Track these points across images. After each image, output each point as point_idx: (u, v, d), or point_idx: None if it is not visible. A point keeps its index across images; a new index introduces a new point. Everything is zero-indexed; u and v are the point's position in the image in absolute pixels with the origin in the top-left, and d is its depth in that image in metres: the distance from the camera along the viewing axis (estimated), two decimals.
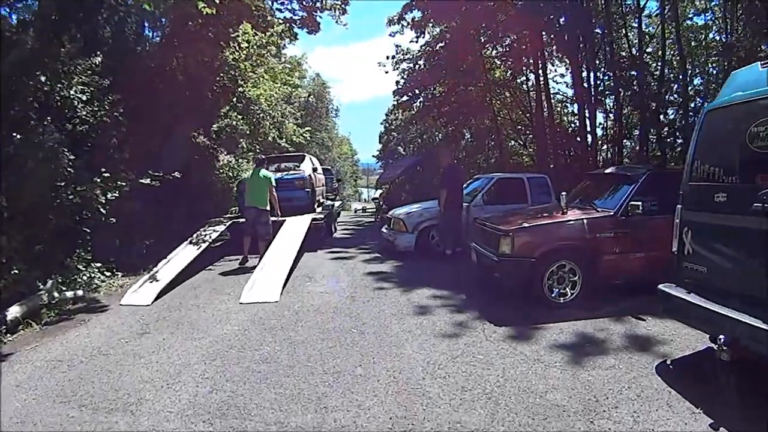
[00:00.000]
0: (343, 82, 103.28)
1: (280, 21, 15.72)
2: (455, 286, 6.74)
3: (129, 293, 6.52)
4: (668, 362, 4.08)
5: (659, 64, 14.95)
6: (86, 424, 3.25)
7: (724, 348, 3.22)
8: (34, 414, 3.42)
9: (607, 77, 15.65)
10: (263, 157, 10.18)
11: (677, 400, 3.36)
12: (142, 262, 7.93)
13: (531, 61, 17.40)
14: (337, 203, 17.90)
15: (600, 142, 16.75)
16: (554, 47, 16.99)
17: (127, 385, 3.83)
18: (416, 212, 9.62)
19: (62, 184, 6.68)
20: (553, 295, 5.61)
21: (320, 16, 17.36)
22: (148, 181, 8.06)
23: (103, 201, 7.10)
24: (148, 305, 6.14)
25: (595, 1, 14.97)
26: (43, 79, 6.76)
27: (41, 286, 5.91)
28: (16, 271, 5.69)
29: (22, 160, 6.13)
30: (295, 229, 9.16)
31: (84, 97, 7.56)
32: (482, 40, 18.01)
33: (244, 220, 8.84)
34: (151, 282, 6.78)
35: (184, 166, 9.87)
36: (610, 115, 16.90)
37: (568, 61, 16.56)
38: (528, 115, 19.29)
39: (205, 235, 8.90)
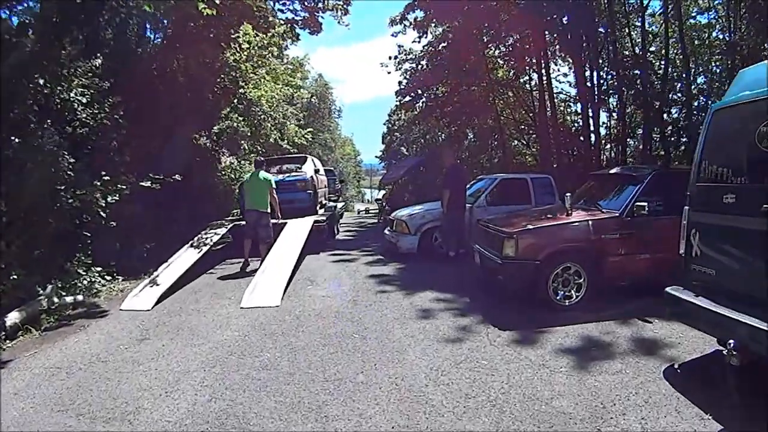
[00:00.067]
0: (345, 83, 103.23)
1: (282, 22, 15.68)
2: (458, 288, 6.67)
3: (129, 298, 6.47)
4: (676, 366, 4.01)
5: (662, 62, 14.87)
6: None
7: (734, 353, 3.14)
8: (32, 423, 3.38)
9: (610, 76, 15.56)
10: (262, 158, 10.12)
11: (685, 406, 3.29)
12: (143, 266, 7.89)
13: (534, 60, 17.32)
14: (339, 205, 17.88)
15: (603, 142, 16.72)
16: (557, 46, 16.93)
17: (126, 393, 3.77)
18: (419, 214, 9.55)
19: (62, 187, 6.62)
20: (558, 297, 5.54)
21: (322, 17, 17.30)
22: (148, 183, 7.98)
23: (103, 204, 7.03)
24: (148, 310, 6.08)
25: (598, 0, 14.87)
26: (42, 81, 6.71)
27: (41, 292, 5.85)
28: (15, 277, 5.63)
29: (22, 164, 6.08)
30: (296, 231, 9.10)
31: (84, 100, 7.50)
32: (485, 40, 17.96)
33: (245, 222, 8.77)
34: (151, 286, 6.73)
35: (185, 169, 9.82)
36: (614, 114, 16.87)
37: (571, 61, 16.47)
38: (531, 114, 19.23)
39: (207, 238, 8.84)
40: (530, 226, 5.82)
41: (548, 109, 17.36)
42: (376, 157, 50.39)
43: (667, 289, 3.91)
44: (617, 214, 5.71)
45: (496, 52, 19.18)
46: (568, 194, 6.25)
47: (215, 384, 3.86)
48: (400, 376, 3.90)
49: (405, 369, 4.05)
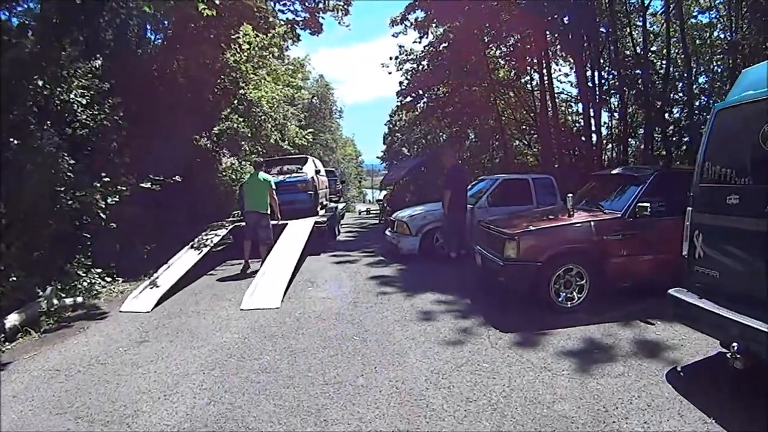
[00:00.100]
0: (346, 83, 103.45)
1: (282, 22, 15.67)
2: (460, 290, 6.63)
3: (129, 299, 6.45)
4: (679, 369, 3.97)
5: (664, 62, 14.81)
6: None
7: (738, 356, 3.10)
8: (30, 425, 3.37)
9: (611, 76, 15.49)
10: (261, 160, 10.09)
11: (689, 410, 3.26)
12: (143, 267, 7.87)
13: (535, 60, 17.26)
14: (340, 205, 17.84)
15: (605, 142, 16.64)
16: (558, 46, 16.86)
17: (124, 396, 3.75)
18: (420, 215, 9.52)
19: (62, 188, 6.61)
20: (559, 299, 5.50)
21: (323, 17, 17.34)
22: (148, 185, 7.97)
23: (103, 206, 7.03)
24: (148, 312, 6.07)
25: (599, 0, 14.83)
26: (40, 83, 6.69)
27: (40, 293, 5.85)
28: (15, 278, 5.62)
29: (21, 165, 6.05)
30: (297, 232, 9.07)
31: (84, 101, 7.49)
32: (486, 40, 17.90)
33: (245, 224, 8.75)
34: (151, 288, 6.71)
35: (186, 170, 9.80)
36: (615, 114, 16.78)
37: (572, 61, 16.40)
38: (532, 114, 19.16)
39: (207, 240, 8.82)
40: (532, 228, 5.79)
41: (549, 109, 17.30)
42: (377, 157, 50.39)
43: (670, 291, 3.87)
44: (619, 215, 5.67)
45: (497, 52, 19.12)
46: (570, 195, 6.21)
47: (214, 387, 3.83)
48: (401, 380, 3.86)
49: (405, 372, 4.02)
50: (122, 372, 4.23)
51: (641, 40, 15.03)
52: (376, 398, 3.55)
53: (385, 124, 43.17)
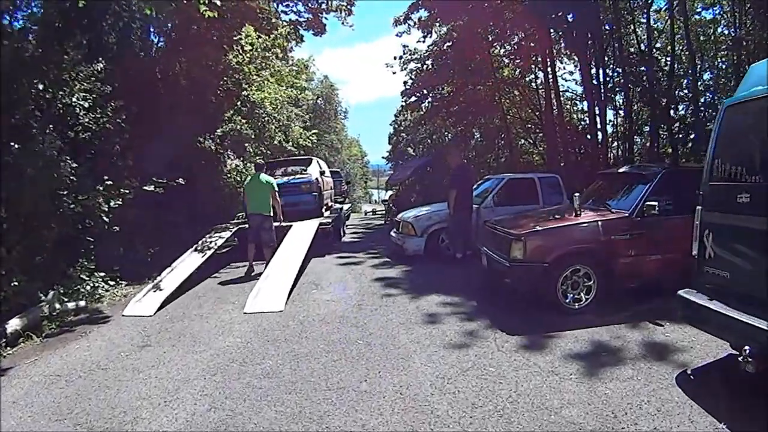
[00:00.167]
0: (350, 84, 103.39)
1: (285, 23, 15.65)
2: (465, 292, 6.55)
3: (132, 303, 6.42)
4: (689, 372, 3.88)
5: (668, 59, 14.75)
6: None
7: (750, 359, 3.01)
8: None
9: (616, 73, 15.45)
10: (263, 161, 10.04)
11: (699, 414, 3.17)
12: (147, 270, 7.84)
13: (539, 58, 17.22)
14: (346, 206, 17.77)
15: (610, 139, 16.56)
16: (562, 44, 16.83)
17: (124, 402, 3.71)
18: (425, 215, 9.44)
19: (64, 192, 6.59)
20: (567, 301, 5.40)
21: (326, 18, 17.39)
22: (151, 187, 7.93)
23: (106, 209, 7.00)
24: (150, 316, 6.03)
25: None
26: (41, 87, 6.67)
27: (42, 298, 5.82)
28: (17, 283, 5.60)
29: (22, 169, 6.03)
30: (301, 234, 9.00)
31: (86, 104, 7.47)
32: (490, 39, 17.86)
33: (248, 226, 8.69)
34: (154, 291, 6.68)
35: (189, 172, 9.77)
36: (620, 111, 16.78)
37: (576, 58, 16.36)
38: (537, 113, 19.10)
39: (211, 242, 8.77)
40: (538, 228, 5.70)
41: (554, 108, 17.24)
42: (382, 157, 50.32)
43: (680, 292, 3.77)
44: (627, 214, 5.56)
45: (501, 50, 19.10)
46: (577, 194, 6.12)
47: (215, 393, 3.78)
48: (405, 385, 3.79)
49: (410, 377, 3.94)
50: (123, 377, 4.19)
51: (645, 37, 14.98)
52: (379, 404, 3.48)
53: (390, 124, 43.10)
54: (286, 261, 7.62)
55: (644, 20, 15.11)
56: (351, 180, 38.15)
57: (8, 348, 4.96)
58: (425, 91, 20.49)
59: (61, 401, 3.78)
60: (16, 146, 6.06)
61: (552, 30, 15.73)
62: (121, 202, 7.24)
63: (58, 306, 5.92)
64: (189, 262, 7.83)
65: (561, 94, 17.69)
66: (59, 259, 6.57)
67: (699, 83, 14.42)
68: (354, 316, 5.73)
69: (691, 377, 3.80)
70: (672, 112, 14.43)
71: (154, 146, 9.05)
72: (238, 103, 12.65)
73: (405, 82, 21.02)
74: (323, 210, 11.78)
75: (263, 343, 4.87)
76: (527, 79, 19.69)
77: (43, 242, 6.34)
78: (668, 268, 5.15)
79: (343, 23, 18.02)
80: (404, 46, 21.29)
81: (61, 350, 4.96)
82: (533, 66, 18.40)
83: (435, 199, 11.06)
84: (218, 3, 7.58)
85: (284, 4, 16.76)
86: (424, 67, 20.68)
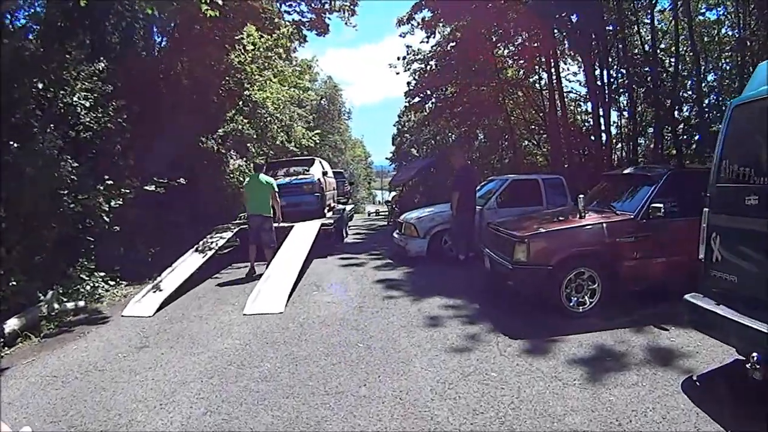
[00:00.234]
0: (355, 85, 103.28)
1: (288, 23, 15.62)
2: (468, 294, 6.48)
3: (131, 304, 6.37)
4: (694, 378, 3.79)
5: (672, 60, 14.63)
6: None
7: (758, 366, 2.93)
8: None
9: (620, 74, 15.35)
10: (262, 162, 9.99)
11: (705, 422, 3.09)
12: (147, 270, 7.80)
13: (543, 59, 17.15)
14: (348, 207, 17.73)
15: (614, 141, 16.48)
16: (566, 45, 16.75)
17: (120, 404, 3.65)
18: (428, 216, 9.37)
19: (65, 192, 6.55)
20: (571, 304, 5.32)
21: (329, 18, 17.32)
22: (153, 187, 7.89)
23: (107, 209, 6.96)
24: (149, 316, 5.98)
25: None
26: (42, 86, 6.64)
27: (41, 298, 5.78)
28: (15, 282, 5.56)
29: (21, 168, 5.99)
30: (303, 235, 8.94)
31: (88, 104, 7.42)
32: (493, 39, 17.80)
33: (248, 227, 8.64)
34: (154, 292, 6.63)
35: (191, 172, 9.74)
36: (624, 112, 16.71)
37: (580, 59, 16.25)
38: (541, 114, 19.02)
39: (212, 243, 8.72)
40: (542, 230, 5.63)
41: (558, 109, 17.15)
42: (386, 158, 50.17)
43: (686, 296, 3.69)
44: (632, 217, 5.49)
45: (505, 51, 19.02)
46: (581, 196, 6.03)
47: (212, 396, 3.71)
48: (405, 389, 3.72)
49: (410, 381, 3.87)
50: (120, 379, 4.13)
51: (649, 37, 14.89)
52: (378, 410, 3.41)
53: (394, 125, 43.04)
54: (287, 262, 7.56)
55: (648, 21, 15.03)
56: (354, 181, 38.17)
57: (6, 348, 4.92)
58: (429, 92, 20.43)
59: (57, 403, 3.73)
60: (16, 145, 6.03)
61: (556, 30, 15.68)
62: (121, 202, 7.20)
63: (57, 306, 5.88)
64: (190, 262, 7.78)
65: (565, 95, 17.62)
66: (59, 259, 6.54)
67: (703, 84, 14.32)
68: (355, 318, 5.66)
69: (697, 383, 3.72)
70: (676, 113, 14.31)
71: (156, 146, 9.03)
72: (240, 102, 12.63)
73: (409, 83, 20.99)
74: (325, 211, 11.73)
75: (262, 346, 4.81)
76: (531, 79, 19.62)
77: (43, 242, 6.31)
78: (674, 271, 5.07)
79: (346, 23, 17.96)
80: (408, 47, 21.27)
81: (59, 351, 4.91)
82: (537, 67, 18.33)
83: (438, 200, 11.00)
84: (220, 2, 7.57)
85: (287, 3, 16.70)
86: (428, 67, 20.63)
